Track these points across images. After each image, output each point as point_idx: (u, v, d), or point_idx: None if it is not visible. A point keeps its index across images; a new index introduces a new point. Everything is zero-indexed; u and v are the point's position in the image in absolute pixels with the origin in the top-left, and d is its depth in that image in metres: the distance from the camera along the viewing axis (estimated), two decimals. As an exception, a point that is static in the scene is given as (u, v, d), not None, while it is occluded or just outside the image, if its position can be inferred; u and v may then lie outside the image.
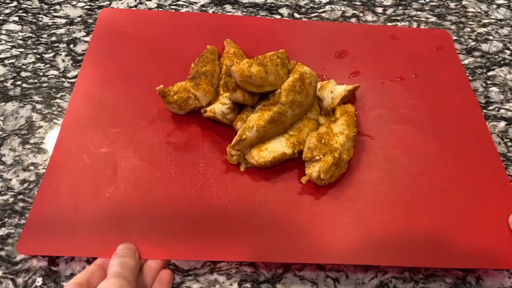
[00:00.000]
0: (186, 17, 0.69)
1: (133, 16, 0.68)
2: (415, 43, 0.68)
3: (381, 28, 0.70)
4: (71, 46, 0.65)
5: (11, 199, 0.51)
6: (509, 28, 0.72)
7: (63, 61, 0.63)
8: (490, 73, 0.67)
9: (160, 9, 0.71)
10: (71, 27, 0.68)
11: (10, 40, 0.65)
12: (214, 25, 0.68)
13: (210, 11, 0.71)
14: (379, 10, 0.74)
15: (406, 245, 0.48)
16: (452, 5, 0.76)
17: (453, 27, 0.72)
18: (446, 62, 0.66)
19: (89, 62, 0.62)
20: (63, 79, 0.61)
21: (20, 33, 0.66)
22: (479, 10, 0.75)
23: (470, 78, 0.66)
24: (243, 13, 0.71)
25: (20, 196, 0.51)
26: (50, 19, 0.68)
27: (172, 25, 0.67)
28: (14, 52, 0.64)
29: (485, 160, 0.56)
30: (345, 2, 0.74)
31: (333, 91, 0.58)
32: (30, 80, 0.61)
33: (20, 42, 0.65)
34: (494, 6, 0.76)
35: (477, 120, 0.60)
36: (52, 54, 0.64)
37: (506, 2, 0.77)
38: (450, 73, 0.64)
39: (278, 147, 0.53)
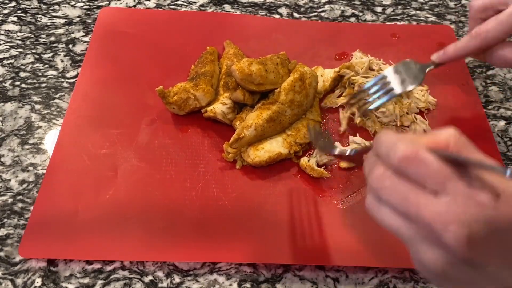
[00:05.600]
0: (186, 16, 0.69)
1: (133, 15, 0.68)
2: (417, 40, 0.67)
3: (381, 26, 0.70)
4: (70, 46, 0.65)
5: (10, 200, 0.50)
6: (508, 27, 0.72)
7: (62, 61, 0.63)
8: (489, 72, 0.66)
9: (159, 9, 0.71)
10: (70, 27, 0.67)
11: (8, 40, 0.65)
12: (214, 24, 0.68)
13: (209, 10, 0.71)
14: (379, 9, 0.74)
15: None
16: (451, 4, 0.75)
17: (452, 26, 0.72)
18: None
19: (89, 62, 0.61)
20: (62, 79, 0.61)
21: (19, 33, 0.66)
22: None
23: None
24: (242, 12, 0.71)
25: (19, 197, 0.51)
26: (49, 19, 0.68)
27: (171, 25, 0.67)
28: (13, 52, 0.64)
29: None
30: (344, 2, 0.74)
31: (322, 74, 0.59)
32: (29, 81, 0.61)
33: (19, 42, 0.65)
34: (494, 5, 0.75)
35: (479, 118, 0.60)
36: (51, 54, 0.64)
37: (506, 1, 0.76)
38: (453, 70, 0.64)
39: (275, 147, 0.53)
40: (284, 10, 0.72)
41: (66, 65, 0.63)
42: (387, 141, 0.29)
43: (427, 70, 0.53)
